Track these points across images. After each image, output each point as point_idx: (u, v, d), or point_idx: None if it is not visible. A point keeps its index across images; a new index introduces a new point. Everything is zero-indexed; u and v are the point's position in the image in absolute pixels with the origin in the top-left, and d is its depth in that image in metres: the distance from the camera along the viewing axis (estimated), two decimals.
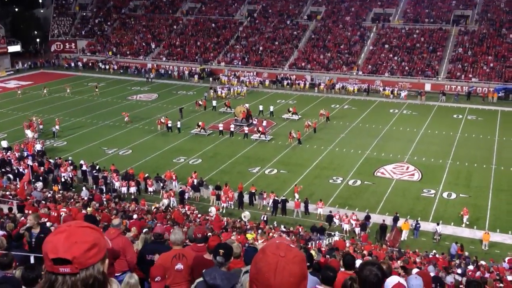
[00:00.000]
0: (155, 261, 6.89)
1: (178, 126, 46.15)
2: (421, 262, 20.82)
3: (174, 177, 34.30)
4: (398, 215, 29.57)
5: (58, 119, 47.24)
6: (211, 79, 67.48)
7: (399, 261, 18.37)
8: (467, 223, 29.56)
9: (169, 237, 7.19)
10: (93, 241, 2.17)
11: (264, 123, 46.94)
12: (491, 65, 62.52)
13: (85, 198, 28.37)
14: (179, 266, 6.44)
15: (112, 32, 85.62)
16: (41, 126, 45.52)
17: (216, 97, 57.04)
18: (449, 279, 15.48)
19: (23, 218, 17.12)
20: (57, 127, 45.13)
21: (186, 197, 32.57)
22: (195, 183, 33.57)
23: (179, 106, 52.24)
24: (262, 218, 29.48)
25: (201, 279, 4.73)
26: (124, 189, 33.52)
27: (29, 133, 42.76)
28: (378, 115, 51.91)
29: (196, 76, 68.94)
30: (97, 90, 61.00)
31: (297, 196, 32.01)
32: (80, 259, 2.11)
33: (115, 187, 33.97)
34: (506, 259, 24.54)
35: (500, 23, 68.31)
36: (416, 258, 22.12)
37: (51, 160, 37.26)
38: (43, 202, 23.66)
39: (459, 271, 19.11)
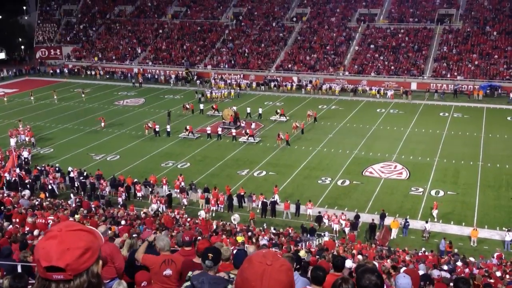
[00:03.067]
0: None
1: (168, 130, 46.02)
2: (410, 260, 20.91)
3: (164, 181, 34.19)
4: (384, 212, 29.77)
5: (29, 129, 46.04)
6: (198, 82, 67.37)
7: (388, 260, 18.45)
8: (434, 216, 30.02)
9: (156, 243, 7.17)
10: (86, 245, 2.13)
11: (253, 125, 46.99)
12: (476, 62, 63.10)
13: (73, 205, 28.14)
14: (168, 271, 6.42)
15: (97, 37, 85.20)
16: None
17: (205, 100, 57.10)
18: (436, 272, 15.56)
19: (10, 226, 16.96)
20: (31, 138, 44.59)
21: (184, 203, 32.43)
22: (182, 186, 33.56)
23: (166, 110, 52.09)
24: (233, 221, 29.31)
25: (188, 283, 4.70)
26: (119, 199, 33.39)
27: (12, 141, 42.58)
28: (365, 115, 52.15)
29: (172, 80, 68.90)
30: (83, 95, 60.73)
31: (276, 197, 32.01)
32: (74, 265, 2.08)
33: (103, 193, 33.71)
34: (495, 254, 24.77)
35: (484, 21, 69.00)
36: (405, 256, 22.21)
37: (39, 168, 36.93)
38: (31, 210, 23.43)
39: (446, 267, 19.21)
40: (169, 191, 33.31)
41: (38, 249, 2.12)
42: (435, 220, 29.84)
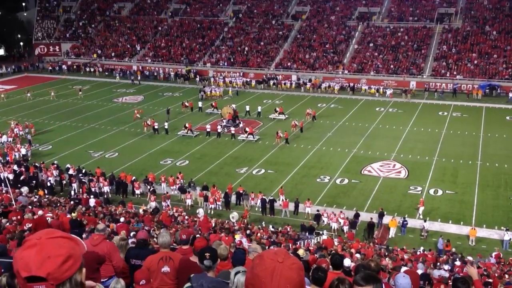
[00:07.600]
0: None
1: (166, 127, 45.96)
2: (409, 259, 20.91)
3: (163, 179, 34.18)
4: (383, 210, 29.78)
5: (29, 124, 46.55)
6: (197, 79, 67.32)
7: (387, 259, 18.44)
8: (420, 213, 30.05)
9: (157, 240, 7.14)
10: (67, 252, 2.02)
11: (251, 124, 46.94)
12: (475, 62, 63.08)
13: (72, 202, 28.11)
14: (166, 268, 6.39)
15: (96, 34, 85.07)
16: (23, 131, 45.15)
17: (205, 98, 57.06)
18: (437, 273, 15.56)
19: (8, 224, 16.90)
20: (30, 130, 44.90)
21: (190, 204, 32.23)
22: (180, 185, 33.54)
23: (166, 107, 52.07)
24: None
25: (188, 284, 4.66)
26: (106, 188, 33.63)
27: (4, 138, 42.77)
28: (364, 114, 52.13)
29: (135, 77, 68.79)
30: (80, 93, 60.65)
31: (282, 198, 31.90)
32: (55, 274, 1.97)
33: (102, 191, 33.68)
34: (493, 254, 24.78)
35: (483, 20, 68.96)
36: (404, 255, 22.21)
37: (37, 164, 36.88)
38: (29, 207, 23.38)
39: (446, 267, 19.21)
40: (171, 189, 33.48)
41: (16, 259, 2.00)
42: (421, 217, 29.85)
